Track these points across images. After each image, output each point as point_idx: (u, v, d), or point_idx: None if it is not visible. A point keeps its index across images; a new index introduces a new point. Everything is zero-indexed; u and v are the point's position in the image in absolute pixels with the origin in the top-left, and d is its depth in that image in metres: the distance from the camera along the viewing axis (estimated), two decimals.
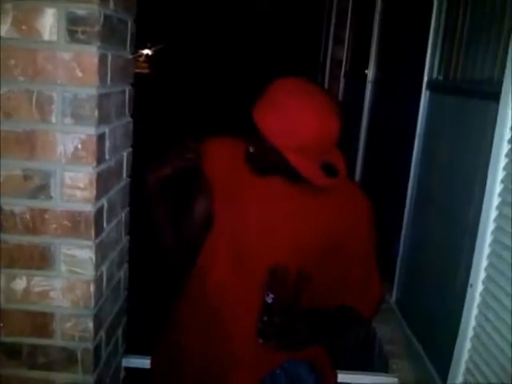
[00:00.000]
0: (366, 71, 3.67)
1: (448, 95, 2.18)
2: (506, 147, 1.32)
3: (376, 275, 1.54)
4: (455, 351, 1.48)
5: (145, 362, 1.77)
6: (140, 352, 1.85)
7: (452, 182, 1.99)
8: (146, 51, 20.91)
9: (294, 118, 1.28)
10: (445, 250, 2.03)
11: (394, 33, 3.28)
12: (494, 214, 1.36)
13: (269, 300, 1.30)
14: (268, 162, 1.37)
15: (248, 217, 1.50)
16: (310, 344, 1.45)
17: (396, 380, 1.90)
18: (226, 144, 1.58)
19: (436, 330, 1.96)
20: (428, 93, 2.32)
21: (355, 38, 4.40)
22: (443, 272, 2.01)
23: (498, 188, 1.34)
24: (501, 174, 1.34)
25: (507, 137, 1.32)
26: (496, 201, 1.35)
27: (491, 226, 1.37)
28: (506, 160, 1.32)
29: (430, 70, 2.31)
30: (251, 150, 1.39)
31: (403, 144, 2.58)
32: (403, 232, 2.51)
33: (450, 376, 1.51)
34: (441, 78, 2.25)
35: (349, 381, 1.86)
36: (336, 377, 1.69)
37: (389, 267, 2.64)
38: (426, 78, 2.33)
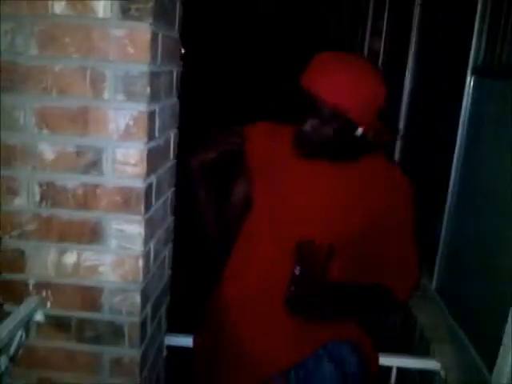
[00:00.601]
0: (405, 61, 3.63)
1: (494, 80, 2.15)
2: None
3: (415, 257, 1.53)
4: (503, 340, 1.46)
5: (187, 341, 1.80)
6: (180, 332, 1.88)
7: (498, 169, 1.96)
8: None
9: (354, 77, 1.33)
10: (489, 237, 2.00)
11: (435, 20, 3.23)
12: None
13: (296, 272, 1.34)
14: (323, 137, 1.39)
15: (288, 199, 1.52)
16: (336, 316, 1.48)
17: (438, 364, 1.88)
18: (267, 128, 1.60)
19: (479, 316, 1.93)
20: (473, 78, 2.28)
21: (393, 29, 4.35)
22: (486, 259, 1.99)
23: None
24: None
25: None
26: None
27: None
28: None
29: (475, 55, 2.28)
30: (308, 127, 1.39)
31: (446, 131, 2.55)
32: (445, 219, 2.49)
33: (497, 365, 1.49)
34: (486, 62, 2.21)
35: (390, 364, 1.86)
36: (378, 359, 1.69)
37: (430, 254, 2.62)
38: (471, 64, 2.29)
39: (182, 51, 1.62)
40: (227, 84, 7.92)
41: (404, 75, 3.60)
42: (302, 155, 1.46)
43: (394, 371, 1.88)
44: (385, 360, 1.81)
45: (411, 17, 3.53)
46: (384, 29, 4.55)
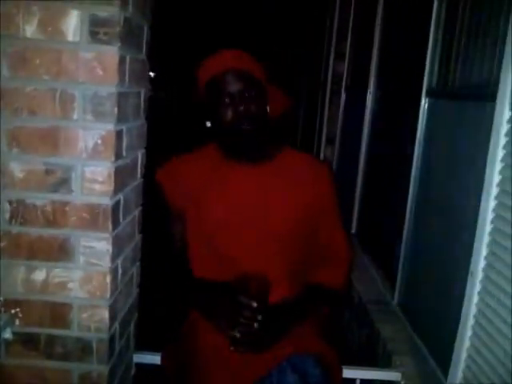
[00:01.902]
0: (366, 84, 3.77)
1: (446, 100, 2.28)
2: (503, 139, 1.40)
3: (341, 237, 1.60)
4: (457, 339, 1.54)
5: (155, 358, 1.81)
6: (149, 349, 1.89)
7: (451, 182, 2.07)
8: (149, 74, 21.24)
9: (240, 50, 1.51)
10: (445, 251, 2.09)
11: (393, 45, 3.38)
12: (492, 203, 1.43)
13: (237, 335, 1.39)
14: (257, 107, 1.46)
15: (220, 216, 1.55)
16: (283, 336, 1.50)
17: (399, 375, 1.94)
18: (176, 165, 1.65)
19: (437, 327, 2.01)
20: (427, 99, 2.41)
21: (356, 53, 4.51)
22: (444, 273, 2.07)
23: (497, 178, 1.42)
24: (499, 165, 1.42)
25: (504, 130, 1.40)
26: (495, 191, 1.43)
27: (490, 216, 1.44)
28: (504, 152, 1.41)
29: (429, 78, 2.41)
30: (228, 116, 1.45)
31: (403, 150, 2.66)
32: (404, 234, 2.58)
33: (452, 363, 1.56)
34: (439, 84, 2.34)
35: (354, 376, 1.91)
36: (341, 371, 1.74)
37: (392, 271, 2.71)
38: (425, 86, 2.42)
39: (152, 75, 1.68)
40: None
41: (366, 97, 3.72)
42: (246, 146, 1.50)
43: (358, 383, 1.93)
44: (348, 372, 1.85)
45: (372, 39, 3.67)
46: (347, 52, 4.70)
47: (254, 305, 1.37)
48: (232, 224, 1.54)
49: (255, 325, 1.38)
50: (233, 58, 1.46)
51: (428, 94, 2.42)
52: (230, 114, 1.44)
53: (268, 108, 1.49)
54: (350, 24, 4.59)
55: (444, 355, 1.74)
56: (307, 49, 6.81)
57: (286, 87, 1.65)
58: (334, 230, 1.59)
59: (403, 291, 2.61)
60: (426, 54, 2.42)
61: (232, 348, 1.42)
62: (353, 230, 3.89)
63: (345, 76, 4.69)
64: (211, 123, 1.50)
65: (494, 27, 1.73)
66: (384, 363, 2.22)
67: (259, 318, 1.38)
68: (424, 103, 2.43)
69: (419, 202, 2.49)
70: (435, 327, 2.08)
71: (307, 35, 6.86)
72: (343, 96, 4.72)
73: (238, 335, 1.39)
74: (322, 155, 5.05)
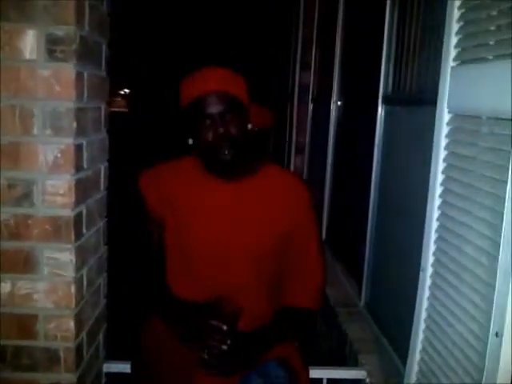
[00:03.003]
0: (330, 93, 3.87)
1: (400, 106, 2.38)
2: (444, 140, 1.49)
3: (318, 261, 1.62)
4: (412, 333, 1.60)
5: (125, 367, 1.84)
6: (120, 359, 1.92)
7: (407, 184, 2.16)
8: (124, 90, 21.24)
9: (224, 70, 1.51)
10: (404, 251, 2.17)
11: (352, 56, 3.49)
12: (437, 201, 1.51)
13: (205, 356, 1.41)
14: (238, 129, 1.47)
15: (190, 226, 1.57)
16: (252, 362, 1.51)
17: (364, 373, 2.00)
18: (155, 174, 1.65)
19: (400, 325, 2.08)
20: (383, 106, 2.51)
21: (320, 64, 4.61)
22: (403, 272, 2.15)
23: (440, 177, 1.50)
24: (442, 165, 1.50)
25: (444, 132, 1.49)
26: (439, 189, 1.51)
27: (436, 213, 1.52)
28: (446, 152, 1.49)
29: (384, 85, 2.52)
30: (209, 137, 1.46)
31: (365, 155, 2.75)
32: (368, 237, 2.66)
33: (408, 356, 1.63)
34: (394, 92, 2.45)
35: (321, 376, 1.96)
36: (308, 373, 1.79)
37: (358, 274, 2.78)
38: (381, 93, 2.52)
39: (127, 91, 1.71)
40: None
41: (330, 107, 3.82)
42: (224, 167, 1.51)
43: (325, 382, 1.99)
44: (315, 372, 1.91)
45: (334, 51, 3.78)
46: (312, 63, 4.80)
47: (225, 328, 1.40)
48: (207, 238, 1.56)
49: (224, 347, 1.39)
50: (215, 80, 1.46)
51: (384, 101, 2.52)
52: (210, 135, 1.45)
53: (250, 125, 1.51)
54: (314, 36, 4.70)
55: (406, 352, 1.80)
56: (274, 60, 6.92)
57: (255, 98, 1.68)
58: (309, 250, 1.60)
59: (369, 293, 2.69)
60: (380, 64, 2.52)
61: (200, 368, 1.43)
62: (323, 237, 3.96)
63: (311, 87, 4.79)
64: (192, 141, 1.51)
65: (441, 35, 1.83)
66: (352, 363, 2.28)
67: (228, 341, 1.40)
68: (380, 110, 2.53)
69: (380, 206, 2.58)
70: (398, 325, 2.15)
71: (273, 45, 6.97)
72: (310, 106, 4.82)
73: (206, 357, 1.41)
74: (292, 164, 5.14)
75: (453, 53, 1.47)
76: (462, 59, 1.46)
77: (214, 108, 1.45)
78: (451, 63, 1.47)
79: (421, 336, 1.57)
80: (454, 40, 1.48)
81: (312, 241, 1.62)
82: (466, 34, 1.45)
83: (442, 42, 1.58)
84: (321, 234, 3.94)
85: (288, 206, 1.57)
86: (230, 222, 1.55)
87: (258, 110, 1.59)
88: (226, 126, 1.45)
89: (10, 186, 1.41)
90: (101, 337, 1.80)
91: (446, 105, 1.47)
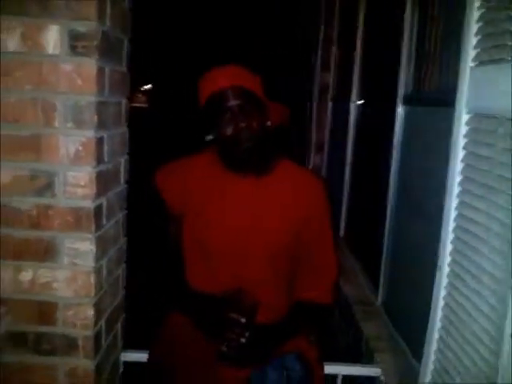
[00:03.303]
0: (349, 93, 3.87)
1: (419, 107, 2.37)
2: (462, 140, 1.49)
3: (332, 255, 1.64)
4: (427, 332, 1.60)
5: (142, 357, 1.87)
6: (138, 348, 1.96)
7: (425, 184, 2.15)
8: (146, 86, 21.35)
9: (239, 67, 1.54)
10: (422, 250, 2.17)
11: (372, 56, 3.49)
12: (455, 202, 1.51)
13: (224, 349, 1.44)
14: (254, 125, 1.48)
15: (215, 225, 1.59)
16: (269, 355, 1.55)
17: (379, 370, 2.00)
18: (174, 168, 1.67)
19: (416, 324, 2.07)
20: (402, 107, 2.51)
21: (340, 64, 4.62)
22: (420, 271, 2.15)
23: (458, 178, 1.50)
24: (460, 165, 1.50)
25: (463, 132, 1.50)
26: (457, 190, 1.51)
27: (453, 213, 1.52)
28: (464, 152, 1.49)
29: (403, 85, 2.52)
30: (229, 131, 1.48)
31: (383, 154, 2.75)
32: (386, 236, 2.66)
33: (423, 356, 1.63)
34: (413, 92, 2.44)
35: (336, 371, 1.97)
36: (323, 368, 1.80)
37: (375, 272, 2.78)
38: (400, 94, 2.52)
39: (148, 87, 1.73)
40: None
41: (349, 107, 3.83)
42: (244, 161, 1.52)
43: (340, 378, 2.00)
44: (331, 368, 1.92)
45: (354, 51, 3.78)
46: (332, 63, 4.81)
47: (243, 321, 1.42)
48: (225, 233, 1.58)
49: (242, 340, 1.42)
50: (233, 76, 1.49)
51: (403, 101, 2.52)
52: (230, 129, 1.47)
53: (269, 122, 1.53)
54: (335, 35, 4.70)
55: (422, 351, 1.81)
56: (295, 59, 6.92)
57: (275, 96, 1.69)
58: (323, 245, 1.62)
59: (386, 291, 2.69)
60: (400, 63, 2.52)
61: (218, 361, 1.46)
62: (341, 234, 3.97)
63: (331, 86, 4.79)
64: (212, 136, 1.53)
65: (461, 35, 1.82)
66: (367, 361, 2.29)
67: (247, 334, 1.42)
68: (400, 110, 2.53)
69: (398, 205, 2.58)
70: (414, 324, 2.15)
71: (294, 45, 6.97)
72: (330, 105, 4.82)
73: (224, 349, 1.43)
74: (311, 163, 5.14)
75: (472, 53, 1.48)
76: (481, 60, 1.46)
77: (233, 101, 1.47)
78: (470, 64, 1.47)
79: (436, 335, 1.57)
80: (472, 41, 1.48)
81: (327, 236, 1.64)
82: (484, 35, 1.45)
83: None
84: (336, 229, 3.94)
85: (304, 201, 1.59)
86: (248, 216, 1.57)
87: (275, 108, 1.60)
88: (246, 119, 1.47)
89: (32, 177, 1.45)
90: (119, 326, 1.84)
91: (464, 105, 1.47)
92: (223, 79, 1.48)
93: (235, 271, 1.58)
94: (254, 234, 1.57)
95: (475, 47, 1.49)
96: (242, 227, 1.57)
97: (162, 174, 1.66)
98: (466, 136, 1.51)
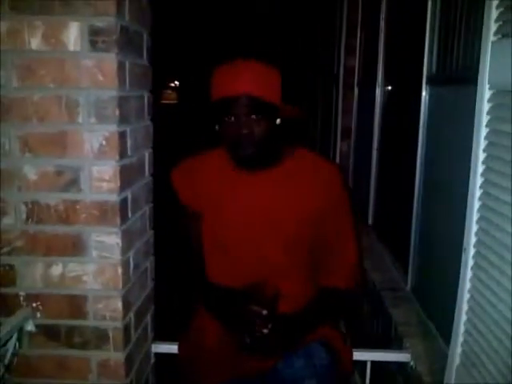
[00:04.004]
0: (375, 76, 3.82)
1: (446, 86, 2.33)
2: (485, 118, 1.46)
3: (352, 240, 1.62)
4: (455, 314, 1.59)
5: (173, 348, 1.90)
6: (170, 340, 1.98)
7: (453, 166, 2.11)
8: (175, 83, 21.45)
9: (256, 65, 1.49)
10: (451, 234, 2.13)
11: (397, 38, 3.43)
12: (479, 180, 1.48)
13: (247, 340, 1.44)
14: (261, 131, 1.48)
15: (232, 220, 1.60)
16: (293, 345, 1.56)
17: (408, 356, 2.00)
18: (189, 166, 1.68)
19: (446, 308, 2.05)
20: (428, 87, 2.46)
21: (365, 48, 4.56)
22: (450, 255, 2.11)
23: (482, 156, 1.47)
24: (483, 143, 1.47)
25: (486, 109, 1.46)
26: (481, 168, 1.48)
27: (478, 193, 1.49)
28: (487, 129, 1.46)
29: (428, 65, 2.47)
30: (230, 135, 1.48)
31: (410, 138, 2.71)
32: (413, 221, 2.63)
33: (452, 337, 1.62)
34: (439, 71, 2.40)
35: (365, 358, 1.97)
36: (351, 354, 1.80)
37: (404, 257, 2.76)
38: (425, 74, 2.48)
39: (177, 83, 1.73)
40: None
41: (375, 90, 3.78)
42: (246, 163, 1.54)
43: (369, 364, 1.99)
44: (359, 355, 1.92)
45: (378, 34, 3.72)
46: (357, 46, 4.74)
47: (265, 313, 1.42)
48: (240, 228, 1.59)
49: (265, 331, 1.42)
50: (247, 82, 1.44)
51: (428, 82, 2.47)
52: (232, 134, 1.47)
53: (278, 120, 1.52)
54: (359, 19, 4.63)
55: (451, 334, 1.79)
56: (319, 43, 6.86)
57: (300, 83, 1.66)
58: (342, 230, 1.61)
59: (415, 277, 2.66)
60: (424, 44, 2.47)
61: (242, 352, 1.48)
62: (369, 222, 3.94)
63: (356, 71, 4.73)
64: (219, 131, 1.53)
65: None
66: (397, 347, 2.27)
67: (269, 325, 1.42)
68: (425, 91, 2.49)
69: (425, 189, 2.54)
70: (444, 309, 2.12)
71: (318, 30, 6.91)
72: (356, 90, 4.76)
73: (247, 341, 1.44)
74: (337, 150, 5.10)
75: (493, 27, 1.43)
76: (503, 33, 1.42)
77: (241, 109, 1.46)
78: (492, 38, 1.43)
79: (464, 317, 1.56)
80: (494, 13, 1.43)
81: (345, 221, 1.62)
82: (507, 7, 1.41)
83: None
84: (364, 217, 3.91)
85: (318, 187, 1.57)
86: (261, 210, 1.57)
87: (289, 109, 1.58)
88: (249, 126, 1.46)
89: (58, 173, 1.48)
90: (148, 318, 1.87)
91: (486, 81, 1.44)
92: (236, 85, 1.45)
93: (253, 264, 1.58)
94: (266, 226, 1.57)
95: (497, 20, 1.44)
96: (254, 220, 1.58)
97: (175, 175, 1.67)
98: (488, 113, 1.47)
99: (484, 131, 1.47)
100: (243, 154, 1.50)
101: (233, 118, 1.47)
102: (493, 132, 1.45)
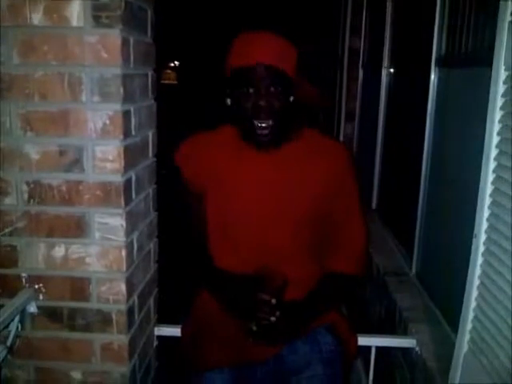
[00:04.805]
0: (381, 59, 3.77)
1: (455, 68, 2.28)
2: (500, 100, 1.42)
3: (360, 225, 1.60)
4: (464, 300, 1.57)
5: (176, 331, 1.88)
6: (172, 323, 1.97)
7: (461, 149, 2.08)
8: (174, 63, 21.25)
9: (275, 37, 1.46)
10: (457, 218, 2.11)
11: (404, 18, 3.37)
12: (492, 164, 1.45)
13: (254, 328, 1.43)
14: (279, 104, 1.44)
15: (239, 199, 1.56)
16: (300, 331, 1.54)
17: (414, 341, 1.98)
18: (196, 143, 1.64)
19: (452, 294, 2.03)
20: (437, 69, 2.41)
21: (370, 28, 4.49)
22: (457, 240, 2.09)
23: (496, 140, 1.44)
24: (497, 126, 1.43)
25: (501, 91, 1.42)
26: (494, 152, 1.44)
27: (491, 177, 1.46)
28: (502, 112, 1.42)
29: (437, 47, 2.42)
30: (247, 106, 1.44)
31: (417, 120, 2.67)
32: (419, 206, 2.60)
33: (460, 323, 1.60)
34: (448, 52, 2.35)
35: (369, 343, 1.96)
36: (356, 340, 1.78)
37: (409, 242, 2.74)
38: (434, 55, 2.42)
39: (177, 63, 1.69)
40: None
41: (381, 72, 3.72)
42: (262, 140, 1.48)
43: (373, 350, 1.98)
44: (364, 340, 1.90)
45: (384, 15, 3.66)
46: (362, 27, 4.67)
47: (274, 301, 1.40)
48: (247, 207, 1.56)
49: (273, 319, 1.41)
50: (267, 53, 1.41)
51: (437, 63, 2.42)
52: (249, 104, 1.43)
53: (292, 98, 1.48)
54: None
55: (458, 321, 1.77)
56: (323, 23, 6.77)
57: (304, 64, 1.63)
58: (350, 213, 1.58)
59: (420, 261, 2.64)
60: (433, 23, 2.42)
61: (248, 338, 1.46)
62: (373, 206, 3.91)
63: (361, 52, 4.67)
64: (231, 106, 1.49)
65: None
66: (401, 332, 2.26)
67: (277, 313, 1.41)
68: (434, 73, 2.44)
69: (432, 173, 2.51)
70: (450, 294, 2.11)
71: (323, 10, 6.81)
72: (360, 72, 4.70)
73: (254, 328, 1.43)
74: (341, 132, 5.06)
75: (510, 6, 1.39)
76: None
77: (261, 80, 1.42)
78: (508, 17, 1.39)
79: (473, 304, 1.53)
80: None
81: (353, 203, 1.59)
82: None
83: None
84: (368, 200, 3.88)
85: (326, 169, 1.53)
86: (269, 190, 1.54)
87: (305, 87, 1.55)
88: (268, 98, 1.42)
89: (61, 153, 1.44)
90: (152, 300, 1.85)
91: (502, 62, 1.40)
92: (257, 55, 1.41)
93: (257, 246, 1.55)
94: (274, 207, 1.54)
95: None
96: (262, 200, 1.54)
97: (179, 152, 1.63)
98: (504, 95, 1.43)
99: (498, 114, 1.43)
100: (258, 128, 1.45)
101: (251, 90, 1.43)
102: (507, 115, 1.42)
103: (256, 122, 1.44)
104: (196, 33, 15.05)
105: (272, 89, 1.43)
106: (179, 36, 14.76)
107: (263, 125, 1.44)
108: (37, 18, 1.36)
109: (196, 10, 13.60)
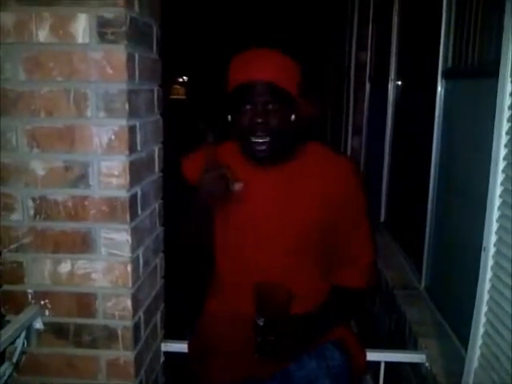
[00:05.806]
0: (388, 71, 3.77)
1: (462, 80, 2.27)
2: (507, 112, 1.41)
3: (367, 240, 1.59)
4: (474, 315, 1.54)
5: (183, 347, 1.87)
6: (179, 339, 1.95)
7: (470, 162, 2.06)
8: (182, 78, 21.39)
9: (277, 55, 1.47)
10: (466, 232, 2.09)
11: (410, 32, 3.38)
12: (500, 177, 1.44)
13: (260, 323, 1.41)
14: (279, 121, 1.44)
15: (235, 213, 1.57)
16: (309, 343, 1.53)
17: (423, 356, 1.95)
18: (197, 160, 1.61)
19: (462, 308, 2.01)
20: (443, 81, 2.41)
21: (377, 43, 4.50)
22: (466, 254, 2.07)
23: (503, 151, 1.43)
24: (504, 139, 1.42)
25: (508, 103, 1.41)
26: (502, 164, 1.43)
27: (499, 190, 1.44)
28: (509, 124, 1.41)
29: (443, 59, 2.41)
30: (245, 123, 1.45)
31: (424, 133, 2.66)
32: (428, 219, 2.58)
33: (470, 340, 1.57)
34: (454, 65, 2.34)
35: (378, 359, 1.93)
36: (365, 355, 1.76)
37: (418, 255, 2.71)
38: (440, 68, 2.42)
39: (185, 79, 1.70)
40: None
41: (388, 86, 3.72)
42: (259, 156, 1.48)
43: (382, 365, 1.95)
44: (373, 355, 1.87)
45: (391, 28, 3.67)
46: (369, 41, 4.68)
47: (261, 323, 1.39)
48: (250, 223, 1.56)
49: (271, 338, 1.39)
50: (266, 69, 1.42)
51: (444, 75, 2.42)
52: (246, 122, 1.44)
53: (293, 116, 1.48)
54: (371, 13, 4.57)
55: (468, 336, 1.74)
56: (330, 38, 6.79)
57: (311, 77, 1.63)
58: (357, 227, 1.58)
59: (429, 275, 2.62)
60: (440, 35, 2.42)
61: (255, 354, 1.44)
62: (382, 219, 3.89)
63: (368, 66, 4.67)
64: (231, 122, 1.51)
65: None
66: (411, 346, 2.23)
67: (276, 331, 1.39)
68: (440, 85, 2.43)
69: (440, 186, 2.49)
70: (460, 309, 2.08)
71: (330, 24, 6.84)
72: (367, 86, 4.71)
73: (258, 339, 1.41)
74: (348, 146, 5.05)
75: None
76: None
77: (258, 97, 1.43)
78: None
79: (483, 319, 1.51)
80: None
81: (361, 221, 1.58)
82: None
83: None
84: (377, 214, 3.86)
85: (334, 186, 1.53)
86: (271, 206, 1.54)
87: (307, 104, 1.54)
88: (265, 115, 1.43)
89: (66, 168, 1.44)
90: (158, 316, 1.83)
91: (508, 74, 1.39)
92: (256, 72, 1.42)
93: (264, 261, 1.54)
94: (277, 222, 1.53)
95: None
96: (265, 216, 1.54)
97: (187, 165, 1.64)
98: (510, 107, 1.42)
99: (506, 126, 1.42)
100: (254, 144, 1.45)
101: (249, 107, 1.43)
102: None
103: (252, 138, 1.44)
104: (205, 48, 15.15)
105: (270, 106, 1.43)
106: (188, 51, 14.86)
107: (259, 140, 1.44)
108: (43, 34, 1.37)
109: (205, 26, 13.71)
